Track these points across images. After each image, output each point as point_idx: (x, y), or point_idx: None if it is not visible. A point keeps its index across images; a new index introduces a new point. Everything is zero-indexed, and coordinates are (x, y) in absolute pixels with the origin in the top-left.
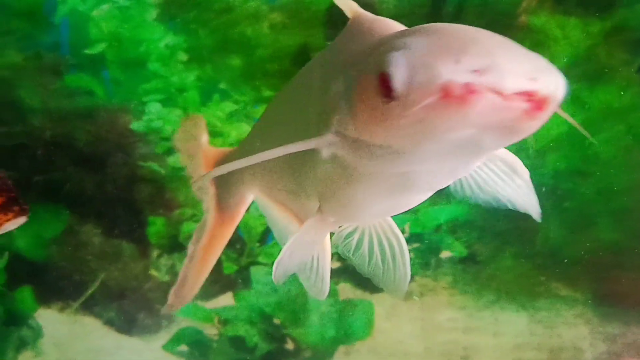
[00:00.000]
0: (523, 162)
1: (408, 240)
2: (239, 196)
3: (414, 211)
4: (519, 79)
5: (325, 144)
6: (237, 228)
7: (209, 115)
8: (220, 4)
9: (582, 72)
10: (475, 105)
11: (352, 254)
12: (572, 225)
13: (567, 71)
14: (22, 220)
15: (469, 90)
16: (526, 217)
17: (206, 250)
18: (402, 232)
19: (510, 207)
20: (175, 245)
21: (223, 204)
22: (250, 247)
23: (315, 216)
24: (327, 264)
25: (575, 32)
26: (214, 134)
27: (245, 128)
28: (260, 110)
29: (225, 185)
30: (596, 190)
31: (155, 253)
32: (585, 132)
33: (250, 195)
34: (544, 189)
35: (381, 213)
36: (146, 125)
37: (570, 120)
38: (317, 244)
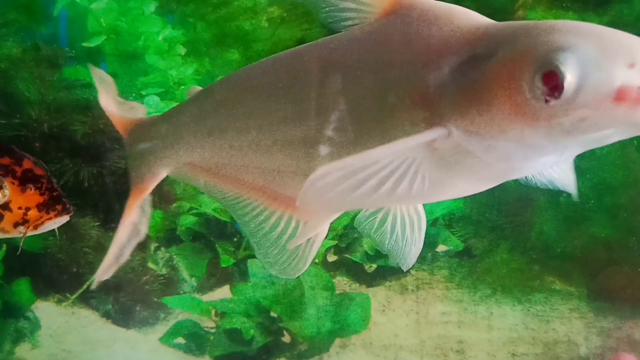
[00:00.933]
0: None
1: None
2: (153, 171)
3: None
4: None
5: (439, 137)
6: (234, 221)
7: None
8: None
9: None
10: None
11: (374, 232)
12: (567, 221)
13: None
14: (64, 219)
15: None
16: (521, 211)
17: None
18: None
19: (550, 186)
20: (173, 238)
21: (136, 177)
22: (247, 239)
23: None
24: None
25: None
26: None
27: None
28: None
29: (137, 157)
30: (591, 186)
31: (152, 246)
32: None
33: (165, 171)
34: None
35: (453, 196)
36: None
37: None
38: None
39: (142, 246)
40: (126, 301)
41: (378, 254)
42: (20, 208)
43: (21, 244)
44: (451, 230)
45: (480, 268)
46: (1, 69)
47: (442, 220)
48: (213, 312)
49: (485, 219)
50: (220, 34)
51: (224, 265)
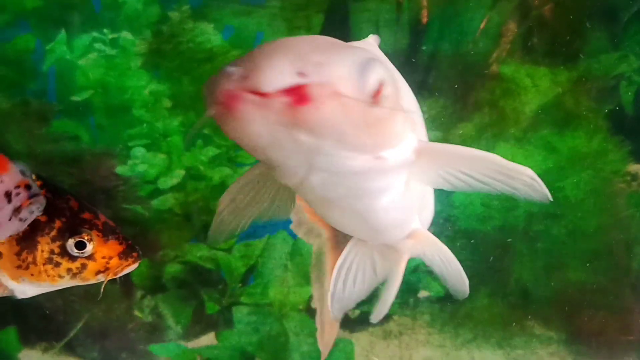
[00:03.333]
0: (496, 204)
1: None
2: None
3: None
4: (279, 77)
5: None
6: (219, 269)
7: (193, 160)
8: (203, 54)
9: (551, 119)
10: (238, 107)
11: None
12: (545, 266)
13: (537, 118)
14: (136, 265)
15: (230, 96)
16: (501, 257)
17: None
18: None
19: None
20: (159, 287)
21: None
22: (232, 287)
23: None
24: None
25: (543, 81)
26: (197, 177)
27: (227, 172)
28: (242, 154)
29: None
30: (567, 232)
31: (138, 294)
32: None
33: None
34: (519, 230)
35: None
36: (131, 169)
37: None
38: None
39: (127, 294)
40: (112, 349)
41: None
42: (103, 257)
43: (102, 290)
44: (432, 276)
45: (461, 313)
46: None
47: (423, 266)
48: (199, 358)
49: (465, 265)
50: None
51: (209, 312)
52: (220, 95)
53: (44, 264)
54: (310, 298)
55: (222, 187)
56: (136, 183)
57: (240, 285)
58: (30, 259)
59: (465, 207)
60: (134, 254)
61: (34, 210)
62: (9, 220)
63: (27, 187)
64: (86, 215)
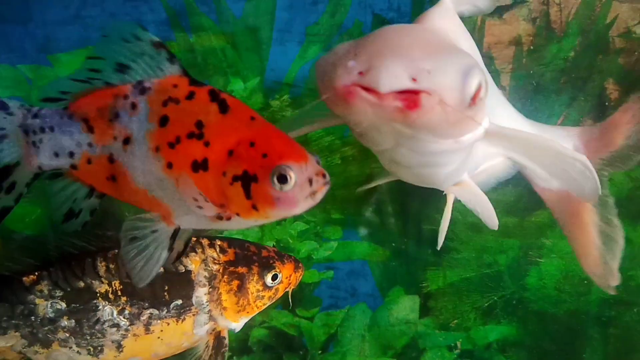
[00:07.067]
0: (570, 290)
1: (460, 356)
2: None
3: (466, 329)
4: (395, 80)
5: None
6: (302, 336)
7: (283, 233)
8: (299, 138)
9: (626, 211)
10: (355, 102)
11: None
12: (616, 351)
13: None
14: (302, 273)
15: (348, 90)
16: (572, 339)
17: None
18: (454, 347)
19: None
20: (245, 349)
21: None
22: (313, 354)
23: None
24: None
25: (619, 176)
26: (286, 249)
27: (314, 245)
28: (328, 230)
29: None
30: (639, 319)
31: (226, 354)
32: None
33: None
34: (591, 315)
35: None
36: None
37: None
38: None
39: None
40: None
41: None
42: (287, 278)
43: (290, 299)
44: (505, 354)
45: None
46: None
47: (496, 345)
48: None
49: (537, 345)
50: None
51: None
52: (337, 85)
53: (254, 302)
54: None
55: (308, 259)
56: None
57: (320, 352)
58: (245, 302)
59: (538, 290)
60: (300, 265)
61: (323, 194)
62: (305, 199)
63: (323, 175)
64: (264, 253)
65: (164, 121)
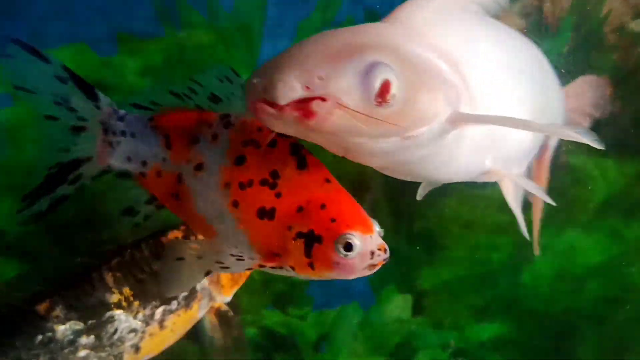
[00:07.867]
0: (564, 288)
1: (453, 355)
2: None
3: (459, 327)
4: (289, 92)
5: None
6: (293, 335)
7: None
8: None
9: (619, 208)
10: (261, 116)
11: None
12: (609, 349)
13: (604, 207)
14: None
15: (254, 106)
16: (566, 337)
17: None
18: (447, 346)
19: None
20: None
21: None
22: (304, 353)
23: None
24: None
25: (611, 172)
26: None
27: None
28: None
29: None
30: (633, 317)
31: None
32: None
33: None
34: (584, 312)
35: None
36: None
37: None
38: None
39: (229, 326)
40: None
41: None
42: None
43: None
44: (498, 352)
45: None
46: None
47: (490, 343)
48: None
49: (531, 343)
50: None
51: None
52: (247, 103)
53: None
54: None
55: None
56: None
57: (312, 351)
58: (237, 275)
59: (532, 288)
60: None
61: (379, 268)
62: (362, 269)
63: (385, 250)
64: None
65: (240, 160)
